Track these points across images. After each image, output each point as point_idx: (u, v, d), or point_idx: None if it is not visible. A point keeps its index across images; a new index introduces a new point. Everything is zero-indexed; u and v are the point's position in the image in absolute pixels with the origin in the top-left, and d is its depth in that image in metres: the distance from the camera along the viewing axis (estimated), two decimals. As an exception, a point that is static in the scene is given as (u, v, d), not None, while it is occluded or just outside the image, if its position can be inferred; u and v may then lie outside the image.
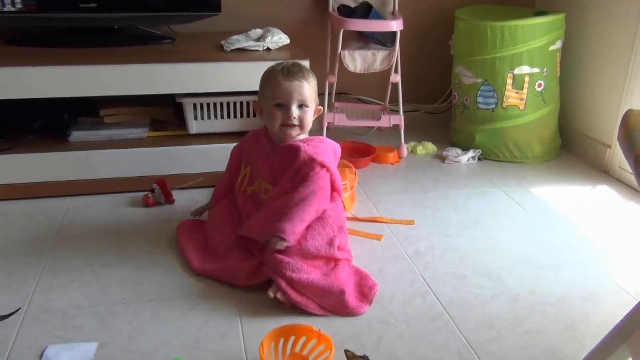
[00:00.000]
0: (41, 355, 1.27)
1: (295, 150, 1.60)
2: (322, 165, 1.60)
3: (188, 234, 1.73)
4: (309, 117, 1.63)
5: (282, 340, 1.26)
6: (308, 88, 1.60)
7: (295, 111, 1.59)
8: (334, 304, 1.43)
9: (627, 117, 1.04)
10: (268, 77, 1.63)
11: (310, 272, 1.45)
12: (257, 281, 1.50)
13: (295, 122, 1.60)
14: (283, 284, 1.43)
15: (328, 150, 1.64)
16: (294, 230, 1.47)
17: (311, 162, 1.59)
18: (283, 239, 1.46)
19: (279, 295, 1.43)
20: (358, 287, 1.50)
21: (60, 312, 1.41)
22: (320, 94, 1.85)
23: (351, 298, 1.44)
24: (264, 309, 1.43)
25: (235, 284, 1.52)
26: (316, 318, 1.39)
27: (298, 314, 1.41)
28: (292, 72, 1.59)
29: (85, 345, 1.29)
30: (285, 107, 1.60)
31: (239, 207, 1.70)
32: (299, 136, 1.64)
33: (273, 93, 1.60)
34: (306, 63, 1.98)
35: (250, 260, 1.55)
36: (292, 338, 1.27)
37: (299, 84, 1.58)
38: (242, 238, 1.62)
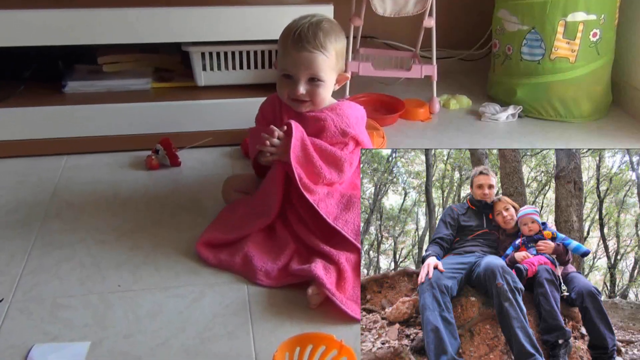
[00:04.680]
0: (26, 355, 1.12)
1: (321, 121, 1.40)
2: (356, 140, 1.42)
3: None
4: (324, 92, 1.40)
5: (298, 349, 1.10)
6: (322, 59, 1.35)
7: (302, 87, 1.37)
8: None
9: None
10: (281, 39, 1.40)
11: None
12: (280, 284, 1.30)
13: (303, 97, 1.38)
14: (343, 259, 1.28)
15: (358, 118, 1.45)
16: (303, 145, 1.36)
17: (344, 136, 1.40)
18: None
19: (313, 298, 1.24)
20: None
21: (50, 300, 1.25)
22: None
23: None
24: (278, 302, 1.26)
25: (252, 281, 1.32)
26: (339, 327, 1.20)
27: (318, 316, 1.23)
28: (303, 38, 1.33)
29: (76, 346, 1.14)
30: (293, 80, 1.37)
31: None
32: (320, 105, 1.42)
33: (282, 61, 1.38)
34: (329, 8, 1.73)
35: (276, 260, 1.34)
36: (310, 347, 1.10)
37: (308, 55, 1.34)
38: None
